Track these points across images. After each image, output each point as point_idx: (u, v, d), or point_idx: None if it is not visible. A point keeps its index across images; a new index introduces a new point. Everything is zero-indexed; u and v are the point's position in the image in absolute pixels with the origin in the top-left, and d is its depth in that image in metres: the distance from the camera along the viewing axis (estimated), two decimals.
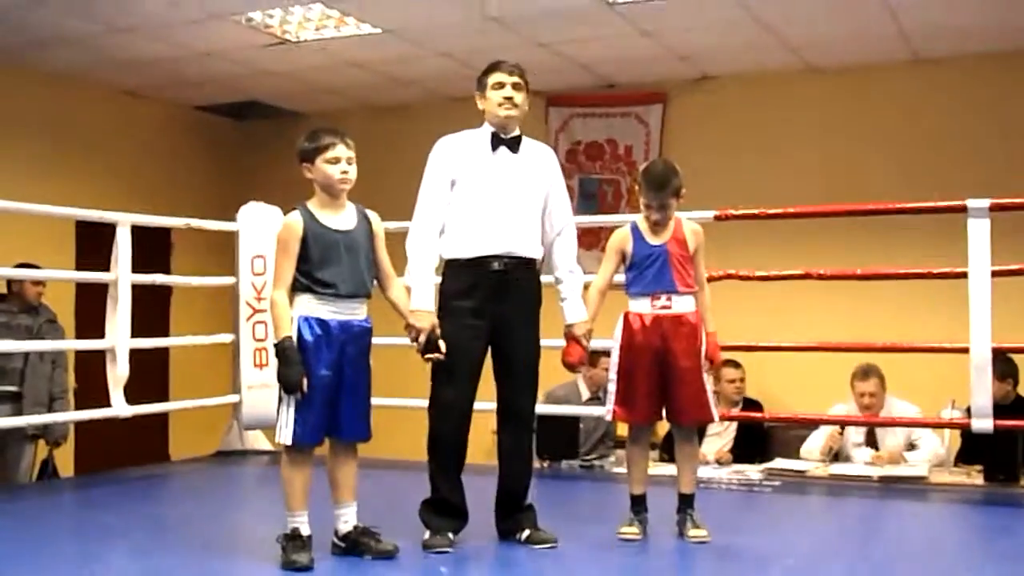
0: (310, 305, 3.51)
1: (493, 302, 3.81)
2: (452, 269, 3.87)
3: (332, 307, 3.52)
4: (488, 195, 3.85)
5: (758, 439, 6.23)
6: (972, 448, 5.38)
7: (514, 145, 3.92)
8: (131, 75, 7.95)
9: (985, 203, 4.82)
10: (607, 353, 5.98)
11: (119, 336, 5.29)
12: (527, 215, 3.90)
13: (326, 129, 3.62)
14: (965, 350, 4.83)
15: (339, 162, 3.55)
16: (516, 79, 3.88)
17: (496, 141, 3.90)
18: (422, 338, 3.71)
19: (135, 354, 5.39)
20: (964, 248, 4.82)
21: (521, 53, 6.28)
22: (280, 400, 3.50)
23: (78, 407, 6.39)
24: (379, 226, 3.71)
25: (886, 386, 5.74)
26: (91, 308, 6.10)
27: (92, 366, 5.93)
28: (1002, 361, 5.55)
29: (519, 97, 3.88)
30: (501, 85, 3.87)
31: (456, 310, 3.81)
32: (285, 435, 3.48)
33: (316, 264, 3.51)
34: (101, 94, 8.29)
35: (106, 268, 5.36)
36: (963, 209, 4.86)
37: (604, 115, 8.28)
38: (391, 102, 8.66)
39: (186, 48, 7.27)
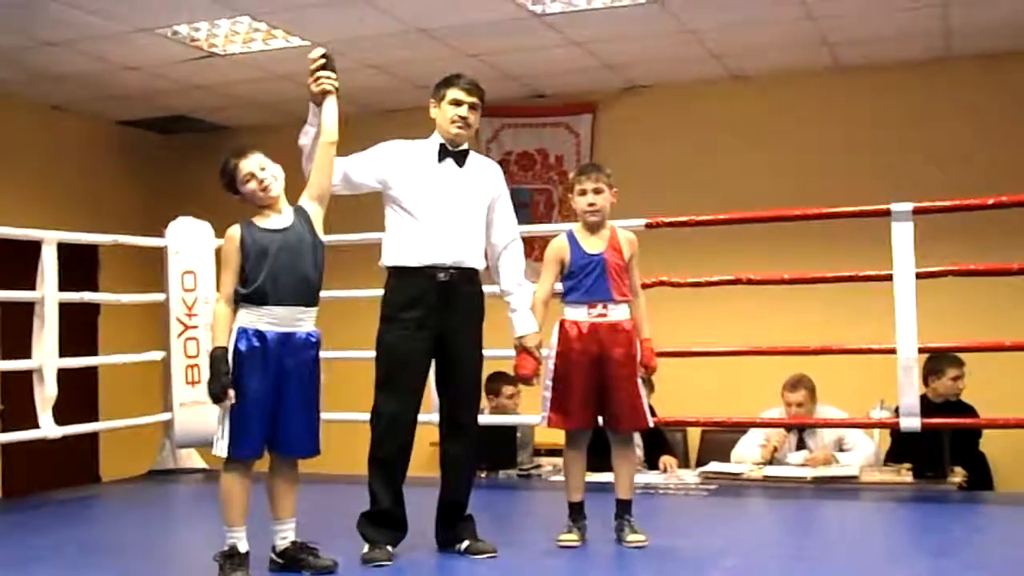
0: (248, 317, 3.50)
1: (438, 313, 3.80)
2: (396, 278, 3.85)
3: (270, 319, 3.50)
4: (433, 205, 3.84)
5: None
6: (901, 447, 5.47)
7: (460, 158, 3.92)
8: (56, 89, 7.81)
9: (908, 207, 4.93)
10: (509, 381, 5.99)
11: (46, 356, 5.20)
12: (472, 226, 3.90)
13: (232, 153, 3.61)
14: (893, 351, 4.93)
15: (253, 178, 3.56)
16: (474, 99, 3.89)
17: (443, 152, 3.91)
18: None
19: (63, 374, 5.29)
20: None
21: (451, 64, 6.27)
22: (219, 413, 3.48)
23: (5, 429, 6.25)
24: (311, 207, 3.67)
25: (816, 396, 5.81)
26: (17, 327, 5.97)
27: (19, 387, 5.81)
28: (948, 359, 5.70)
29: (473, 117, 3.89)
30: (458, 103, 3.87)
31: (401, 321, 3.80)
32: (220, 447, 3.46)
33: (251, 271, 3.50)
34: (26, 108, 8.12)
35: (32, 287, 5.26)
36: (887, 213, 4.96)
37: (534, 125, 8.32)
38: None
39: (112, 62, 7.16)
